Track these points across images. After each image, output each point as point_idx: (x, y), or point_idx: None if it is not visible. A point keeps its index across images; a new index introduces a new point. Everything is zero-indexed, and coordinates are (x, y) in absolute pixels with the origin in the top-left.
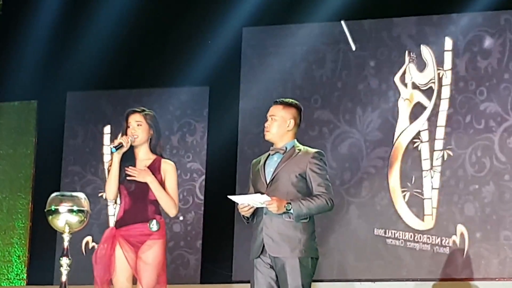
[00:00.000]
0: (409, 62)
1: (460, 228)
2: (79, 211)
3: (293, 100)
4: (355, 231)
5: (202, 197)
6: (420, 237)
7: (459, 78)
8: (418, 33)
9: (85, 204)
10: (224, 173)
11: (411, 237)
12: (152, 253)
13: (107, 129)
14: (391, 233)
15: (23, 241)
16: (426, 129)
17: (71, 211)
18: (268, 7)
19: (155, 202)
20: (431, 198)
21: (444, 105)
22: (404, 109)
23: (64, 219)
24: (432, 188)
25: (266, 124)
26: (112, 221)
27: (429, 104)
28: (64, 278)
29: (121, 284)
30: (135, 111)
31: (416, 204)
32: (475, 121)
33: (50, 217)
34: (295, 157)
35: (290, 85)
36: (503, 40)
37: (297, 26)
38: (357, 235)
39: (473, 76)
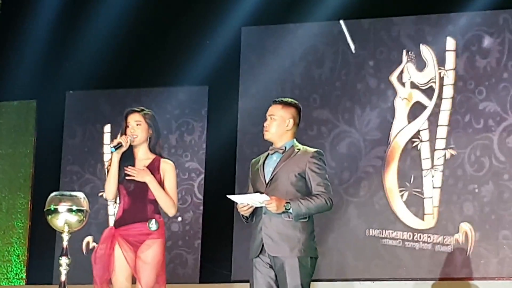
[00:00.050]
0: (407, 61)
1: (464, 226)
2: (78, 210)
3: (292, 100)
4: (354, 230)
5: (201, 197)
6: (420, 236)
7: (458, 78)
8: (417, 32)
9: (85, 204)
10: (223, 172)
11: (410, 236)
12: (151, 252)
13: (107, 128)
14: (388, 232)
15: (22, 241)
16: (426, 129)
17: (70, 210)
18: (267, 7)
19: (154, 202)
20: (432, 197)
21: (446, 105)
22: (401, 108)
23: (64, 219)
24: (433, 187)
25: (265, 124)
26: (112, 221)
27: (429, 104)
28: (63, 277)
29: (120, 283)
30: (134, 111)
31: (416, 204)
32: (474, 120)
33: (49, 216)
34: (294, 157)
35: (289, 84)
36: (502, 39)
37: (296, 26)
38: (356, 235)
39: (472, 75)
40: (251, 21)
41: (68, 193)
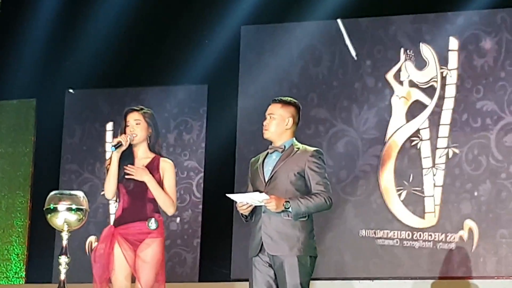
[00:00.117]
0: (406, 59)
1: (469, 223)
2: (78, 209)
3: (291, 99)
4: (352, 229)
5: (199, 195)
6: (420, 235)
7: (457, 77)
8: (415, 31)
9: (84, 203)
10: (223, 171)
11: (408, 235)
12: (151, 251)
13: (109, 126)
14: (385, 232)
15: (21, 240)
16: (427, 127)
17: (69, 209)
18: (267, 6)
19: (154, 201)
20: (433, 196)
21: (449, 104)
22: (399, 107)
23: (63, 218)
24: (435, 186)
25: (264, 123)
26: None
27: (430, 103)
28: (62, 276)
29: (120, 282)
30: (133, 110)
31: (415, 202)
32: (471, 119)
33: (49, 215)
34: (294, 156)
35: (286, 83)
36: (499, 38)
37: (294, 25)
38: (353, 234)
39: (470, 74)
40: (251, 20)
41: (67, 192)
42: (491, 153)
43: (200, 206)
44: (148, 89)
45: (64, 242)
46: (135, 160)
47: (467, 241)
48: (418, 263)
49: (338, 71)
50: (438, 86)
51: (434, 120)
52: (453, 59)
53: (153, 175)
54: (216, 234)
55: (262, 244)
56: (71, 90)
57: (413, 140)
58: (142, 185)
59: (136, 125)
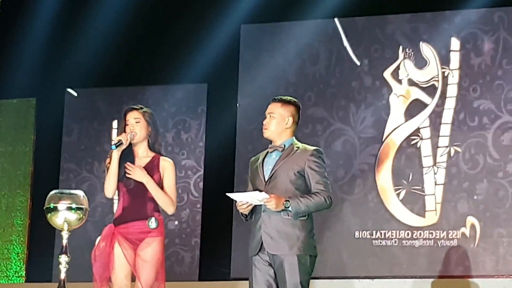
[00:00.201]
0: (404, 58)
1: (471, 219)
2: (78, 208)
3: (291, 98)
4: (349, 228)
5: (197, 194)
6: (421, 233)
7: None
8: (412, 30)
9: (84, 202)
10: (222, 170)
11: (408, 234)
12: (151, 250)
13: (114, 124)
14: (383, 232)
15: (22, 239)
16: (427, 126)
17: (70, 208)
18: (266, 5)
19: (154, 200)
20: (434, 194)
21: (451, 103)
22: (397, 105)
23: (63, 217)
24: (436, 184)
25: (264, 122)
26: None
27: (430, 102)
28: (63, 275)
29: (120, 281)
30: (133, 109)
31: (414, 201)
32: (468, 118)
33: (49, 214)
34: (294, 155)
35: (283, 82)
36: (497, 37)
37: (292, 24)
38: (351, 233)
39: (467, 73)
40: (251, 19)
41: (67, 191)
42: (488, 152)
43: (198, 205)
44: (147, 88)
45: (64, 241)
46: (135, 159)
47: (469, 238)
48: (418, 262)
49: (335, 70)
50: (439, 85)
51: (435, 119)
52: (454, 59)
53: (153, 174)
54: (216, 233)
55: (262, 243)
56: (73, 92)
57: (413, 139)
58: (142, 184)
59: (136, 123)
